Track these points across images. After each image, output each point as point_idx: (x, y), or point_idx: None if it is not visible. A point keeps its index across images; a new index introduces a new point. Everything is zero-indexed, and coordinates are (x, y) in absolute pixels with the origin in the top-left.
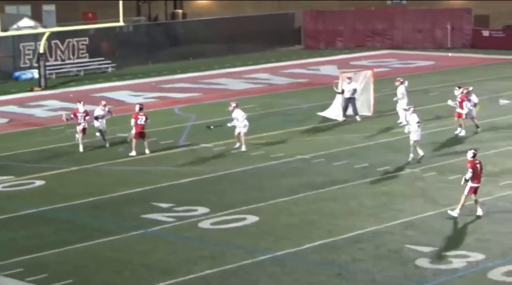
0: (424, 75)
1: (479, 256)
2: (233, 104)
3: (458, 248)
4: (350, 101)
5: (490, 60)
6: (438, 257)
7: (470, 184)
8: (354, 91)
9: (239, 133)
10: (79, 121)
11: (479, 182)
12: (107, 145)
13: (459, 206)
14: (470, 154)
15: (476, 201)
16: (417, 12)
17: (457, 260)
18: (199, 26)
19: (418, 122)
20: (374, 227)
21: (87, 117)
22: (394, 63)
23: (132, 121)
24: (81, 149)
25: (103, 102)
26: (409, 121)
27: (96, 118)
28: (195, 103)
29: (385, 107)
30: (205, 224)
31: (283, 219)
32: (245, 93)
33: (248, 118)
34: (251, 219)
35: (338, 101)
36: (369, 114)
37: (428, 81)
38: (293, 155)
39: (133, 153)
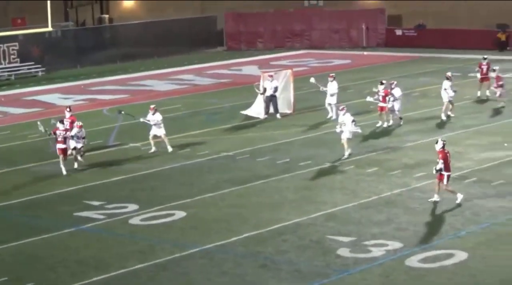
0: (341, 73)
1: (397, 245)
2: (153, 107)
3: (376, 238)
4: (272, 98)
5: (403, 57)
6: (358, 246)
7: (445, 173)
8: (276, 89)
9: (154, 135)
10: (59, 140)
11: (450, 170)
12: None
13: (452, 194)
14: (440, 145)
15: (439, 190)
16: (333, 13)
17: (376, 249)
18: (125, 30)
19: (353, 121)
20: (297, 219)
21: (68, 134)
22: (312, 63)
23: (76, 123)
24: (64, 171)
25: (79, 124)
26: (344, 121)
27: (72, 137)
28: (123, 104)
29: (304, 105)
30: (135, 221)
31: (211, 213)
32: (170, 93)
33: (174, 118)
34: (180, 214)
35: (260, 100)
36: (290, 111)
37: (345, 79)
38: (218, 152)
39: (69, 152)
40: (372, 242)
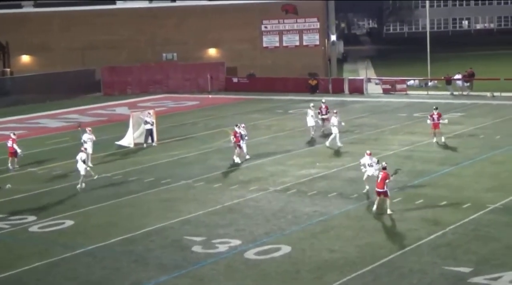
0: (191, 112)
1: (237, 242)
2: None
3: (222, 237)
4: (151, 130)
5: (239, 99)
6: (208, 244)
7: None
8: (152, 123)
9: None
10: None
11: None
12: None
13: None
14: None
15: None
16: (185, 66)
17: (221, 246)
18: (24, 80)
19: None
20: (161, 224)
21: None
22: (170, 104)
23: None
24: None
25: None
26: (365, 162)
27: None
28: (23, 138)
29: (164, 136)
30: (34, 229)
31: (93, 221)
32: (60, 129)
33: (63, 148)
34: (68, 223)
35: (130, 133)
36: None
37: (195, 116)
38: (99, 174)
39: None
40: (218, 240)
